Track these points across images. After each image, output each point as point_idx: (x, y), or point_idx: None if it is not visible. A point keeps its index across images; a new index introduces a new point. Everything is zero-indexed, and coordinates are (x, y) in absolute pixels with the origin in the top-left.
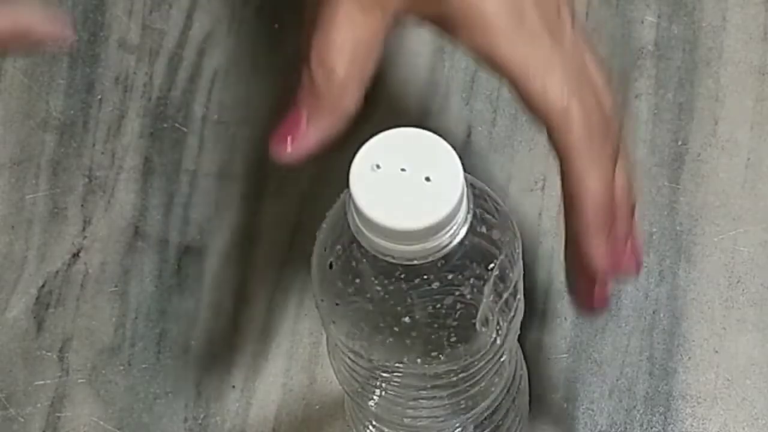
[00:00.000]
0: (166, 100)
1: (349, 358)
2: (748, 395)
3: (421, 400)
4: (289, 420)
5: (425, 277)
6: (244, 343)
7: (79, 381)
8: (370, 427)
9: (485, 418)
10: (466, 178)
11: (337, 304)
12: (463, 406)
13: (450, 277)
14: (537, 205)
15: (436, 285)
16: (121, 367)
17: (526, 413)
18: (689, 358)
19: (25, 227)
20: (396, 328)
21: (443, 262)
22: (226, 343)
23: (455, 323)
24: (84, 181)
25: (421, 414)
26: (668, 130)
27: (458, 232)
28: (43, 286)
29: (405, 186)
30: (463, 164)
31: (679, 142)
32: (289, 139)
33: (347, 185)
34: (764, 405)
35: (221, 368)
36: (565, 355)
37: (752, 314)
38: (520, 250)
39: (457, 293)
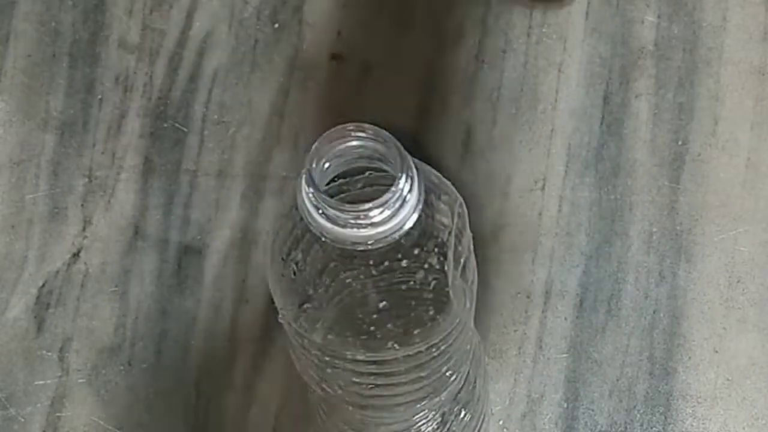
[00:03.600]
0: (166, 99)
1: (324, 360)
2: (748, 395)
3: (399, 386)
4: (289, 420)
5: (395, 256)
6: (244, 343)
7: (79, 381)
8: (341, 425)
9: (454, 398)
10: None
11: (306, 310)
12: (436, 386)
13: (416, 251)
14: (537, 205)
15: (405, 262)
16: (121, 367)
17: (488, 399)
18: (689, 358)
19: (25, 227)
20: (376, 316)
21: (406, 238)
22: (226, 343)
23: (431, 296)
24: (84, 180)
25: (396, 401)
26: (668, 130)
27: (417, 206)
28: (43, 285)
29: None
30: (463, 164)
31: (679, 142)
32: None
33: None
34: (764, 405)
35: (221, 368)
36: (565, 355)
37: (752, 314)
38: (465, 210)
39: (426, 265)
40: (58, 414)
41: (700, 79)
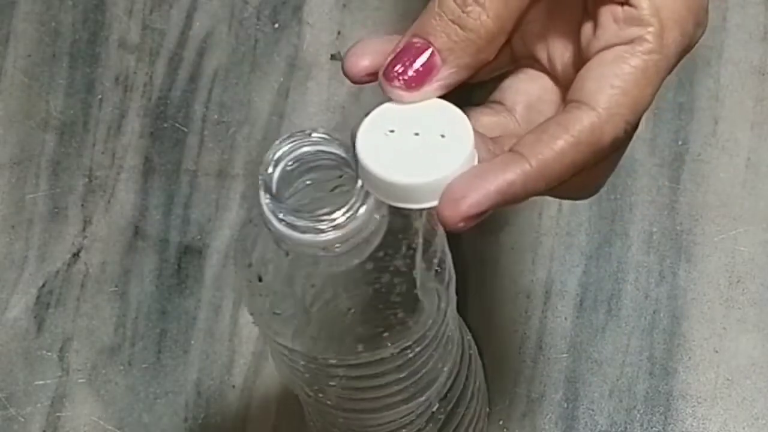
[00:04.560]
0: (166, 99)
1: (300, 365)
2: (748, 395)
3: (379, 389)
4: (289, 420)
5: (359, 260)
6: (244, 342)
7: (80, 381)
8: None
9: (443, 398)
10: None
11: (275, 316)
12: (419, 387)
13: (381, 254)
14: (537, 205)
15: (370, 266)
16: (122, 367)
17: (485, 395)
18: (689, 358)
19: (25, 227)
20: (344, 320)
21: (370, 241)
22: (226, 343)
23: (398, 299)
24: (84, 180)
25: (382, 403)
26: (668, 130)
27: (379, 209)
28: (43, 285)
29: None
30: None
31: (679, 142)
32: (413, 78)
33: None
34: (764, 405)
35: (221, 368)
36: (565, 355)
37: (752, 314)
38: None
39: (391, 268)
40: (58, 414)
41: (700, 78)
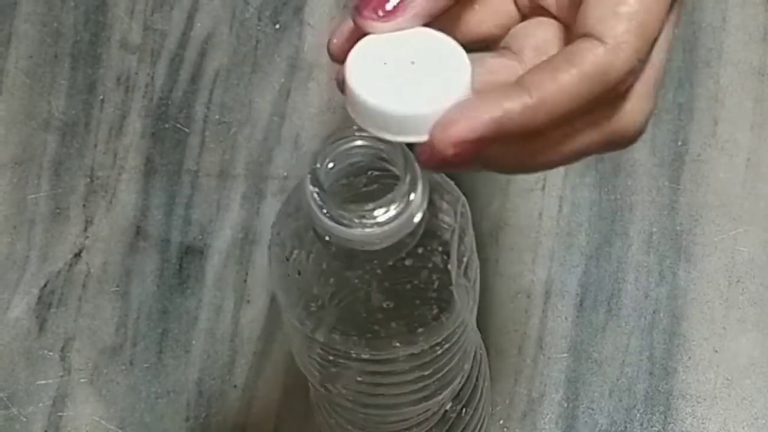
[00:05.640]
0: (167, 100)
1: (327, 360)
2: (748, 395)
3: (403, 385)
4: (290, 419)
5: (399, 256)
6: (245, 342)
7: (81, 380)
8: (339, 413)
9: (456, 396)
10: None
11: (310, 310)
12: (441, 384)
13: (420, 250)
14: (537, 205)
15: (409, 262)
16: (123, 367)
17: (490, 397)
18: (689, 357)
19: (27, 227)
20: (380, 315)
21: (410, 237)
22: (227, 343)
23: (434, 295)
24: (86, 181)
25: (403, 399)
26: (668, 130)
27: (422, 206)
28: (45, 285)
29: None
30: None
31: (679, 142)
32: (388, 10)
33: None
34: (764, 405)
35: (222, 367)
36: (565, 355)
37: (752, 314)
38: (468, 209)
39: (430, 264)
40: (59, 413)
41: (699, 79)
